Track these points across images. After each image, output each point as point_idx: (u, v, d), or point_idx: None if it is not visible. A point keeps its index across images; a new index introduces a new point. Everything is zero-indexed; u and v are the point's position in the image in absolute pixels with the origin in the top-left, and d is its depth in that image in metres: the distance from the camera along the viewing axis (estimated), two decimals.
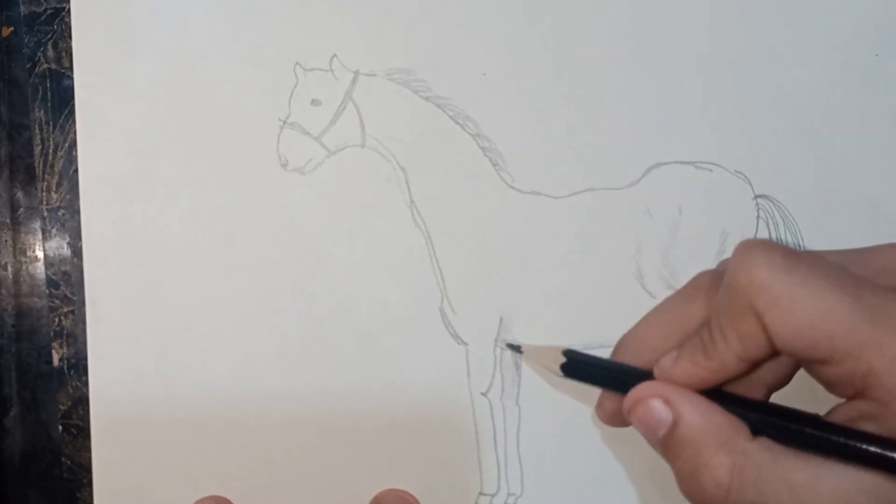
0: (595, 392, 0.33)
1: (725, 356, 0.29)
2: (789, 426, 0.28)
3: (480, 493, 0.42)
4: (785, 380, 0.31)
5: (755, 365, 0.29)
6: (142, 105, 0.41)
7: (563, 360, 0.34)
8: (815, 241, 0.42)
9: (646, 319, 0.33)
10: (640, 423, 0.30)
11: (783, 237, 0.42)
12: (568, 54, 0.43)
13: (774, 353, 0.28)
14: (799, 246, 0.42)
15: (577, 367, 0.34)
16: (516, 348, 0.39)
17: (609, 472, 0.42)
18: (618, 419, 0.33)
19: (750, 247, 0.28)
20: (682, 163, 0.43)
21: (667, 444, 0.29)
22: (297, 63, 0.42)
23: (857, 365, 0.27)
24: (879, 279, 0.29)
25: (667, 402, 0.30)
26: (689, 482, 0.29)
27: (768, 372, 0.31)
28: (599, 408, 0.34)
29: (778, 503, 0.27)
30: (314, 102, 0.41)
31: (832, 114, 0.43)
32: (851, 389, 0.28)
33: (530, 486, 0.42)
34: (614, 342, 0.43)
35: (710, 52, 0.43)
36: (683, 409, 0.29)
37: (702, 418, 0.29)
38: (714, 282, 0.30)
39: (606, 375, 0.33)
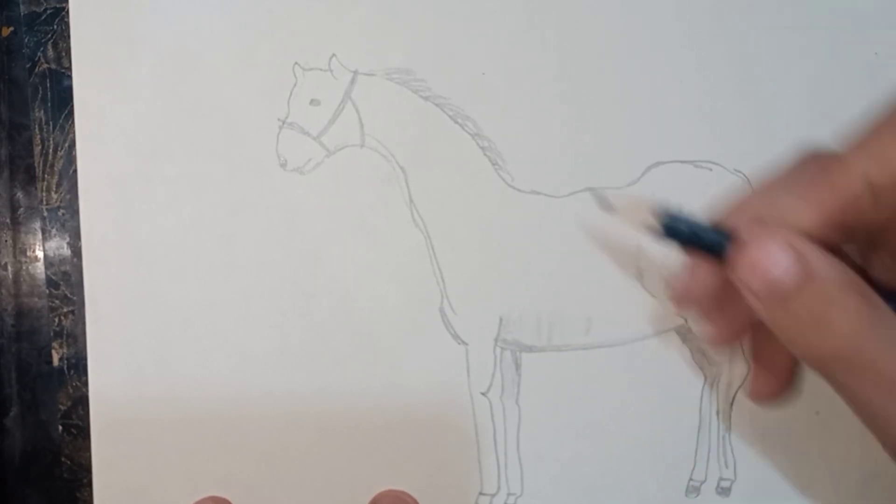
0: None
1: (853, 178, 0.27)
2: None
3: (480, 493, 0.41)
4: None
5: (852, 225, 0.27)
6: (141, 105, 0.41)
7: (660, 217, 0.30)
8: None
9: (751, 194, 0.30)
10: (754, 270, 0.27)
11: None
12: (567, 53, 0.43)
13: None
14: None
15: (676, 225, 0.30)
16: (607, 204, 0.37)
17: (608, 472, 0.42)
18: (713, 295, 0.30)
19: None
20: (681, 162, 0.42)
21: (790, 292, 0.26)
22: (295, 63, 0.42)
23: None
24: None
25: (790, 247, 0.27)
26: (811, 327, 0.26)
27: None
28: (692, 278, 0.31)
29: None
30: (313, 102, 0.41)
31: (831, 112, 0.43)
32: None
33: (530, 486, 0.42)
34: (615, 341, 0.43)
35: (710, 51, 0.43)
36: (812, 254, 0.26)
37: (833, 267, 0.26)
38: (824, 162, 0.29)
39: (707, 235, 0.29)
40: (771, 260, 0.27)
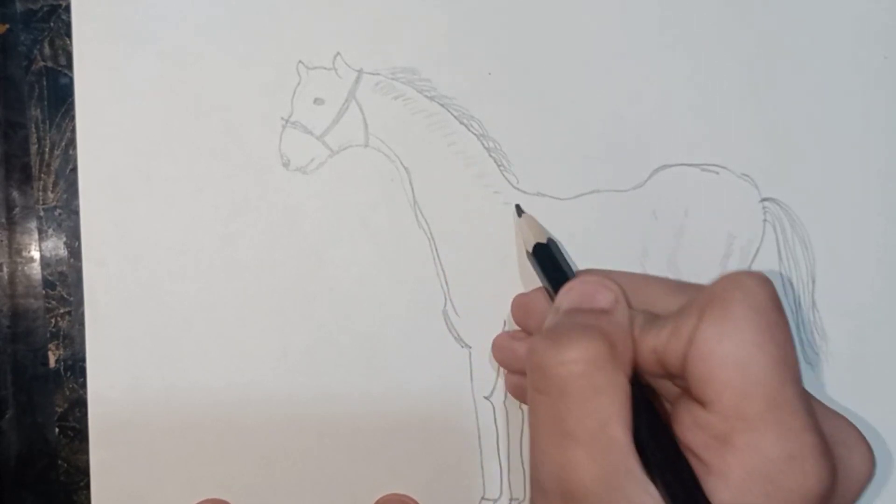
0: None
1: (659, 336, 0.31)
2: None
3: (483, 498, 0.41)
4: None
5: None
6: (142, 103, 0.40)
7: (541, 241, 0.37)
8: (822, 244, 0.42)
9: (621, 277, 0.35)
10: (578, 291, 0.33)
11: (790, 240, 0.42)
12: (574, 54, 0.42)
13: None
14: (807, 249, 0.42)
15: (545, 256, 0.36)
16: (519, 210, 0.40)
17: None
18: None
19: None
20: (688, 165, 0.42)
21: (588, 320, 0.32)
22: (299, 61, 0.41)
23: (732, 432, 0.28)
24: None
25: (612, 291, 0.32)
26: (552, 348, 0.30)
27: None
28: (529, 301, 0.37)
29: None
30: (317, 101, 0.41)
31: (840, 116, 0.43)
32: (709, 451, 0.29)
33: None
34: None
35: (717, 53, 0.43)
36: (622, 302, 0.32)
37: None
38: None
39: (556, 271, 0.36)
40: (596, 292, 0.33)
